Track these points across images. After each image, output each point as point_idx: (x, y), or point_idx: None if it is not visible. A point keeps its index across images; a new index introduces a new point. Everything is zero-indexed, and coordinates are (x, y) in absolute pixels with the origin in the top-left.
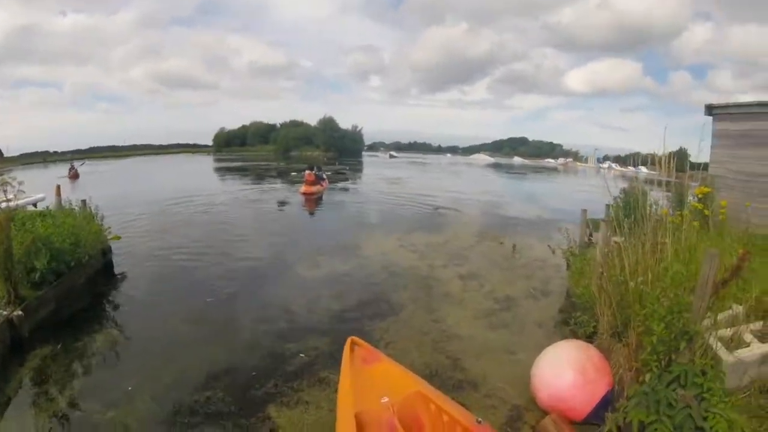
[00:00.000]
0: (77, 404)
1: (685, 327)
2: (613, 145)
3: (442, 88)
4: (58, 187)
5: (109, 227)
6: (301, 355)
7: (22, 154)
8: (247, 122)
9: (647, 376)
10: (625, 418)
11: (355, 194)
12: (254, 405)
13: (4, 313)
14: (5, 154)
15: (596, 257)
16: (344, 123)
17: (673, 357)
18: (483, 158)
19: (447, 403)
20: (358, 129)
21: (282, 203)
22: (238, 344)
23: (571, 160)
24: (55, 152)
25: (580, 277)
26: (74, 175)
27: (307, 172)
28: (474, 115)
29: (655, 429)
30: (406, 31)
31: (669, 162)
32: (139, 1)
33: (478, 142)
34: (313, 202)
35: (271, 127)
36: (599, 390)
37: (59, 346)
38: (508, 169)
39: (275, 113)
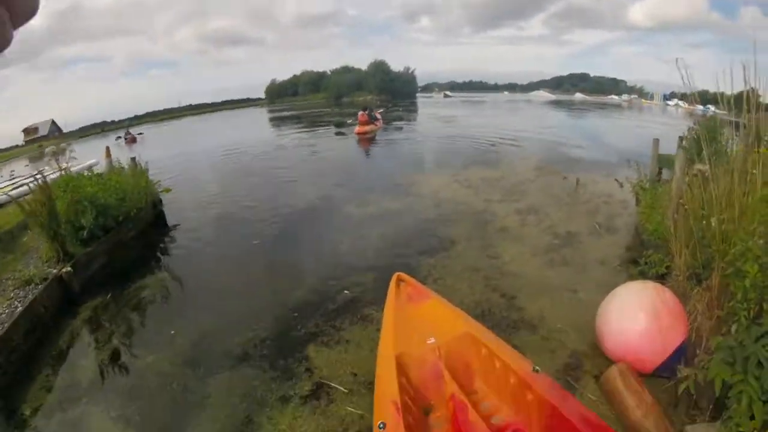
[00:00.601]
0: (123, 349)
1: None
2: (678, 82)
3: (495, 25)
4: (107, 148)
5: (159, 181)
6: (345, 291)
7: (81, 128)
8: (297, 72)
9: (733, 328)
10: (705, 376)
11: (408, 132)
12: (293, 345)
13: (54, 271)
14: (64, 130)
15: (672, 189)
16: (396, 66)
17: (765, 306)
18: (543, 95)
19: (501, 347)
20: (410, 71)
21: (339, 132)
22: (281, 285)
23: (635, 96)
24: (113, 121)
25: (651, 213)
26: (131, 140)
27: (360, 113)
28: (531, 52)
29: (740, 391)
30: None
31: (746, 100)
32: None
33: (536, 79)
34: (367, 141)
35: (322, 75)
36: (674, 339)
37: (109, 296)
38: (570, 106)
39: (325, 62)
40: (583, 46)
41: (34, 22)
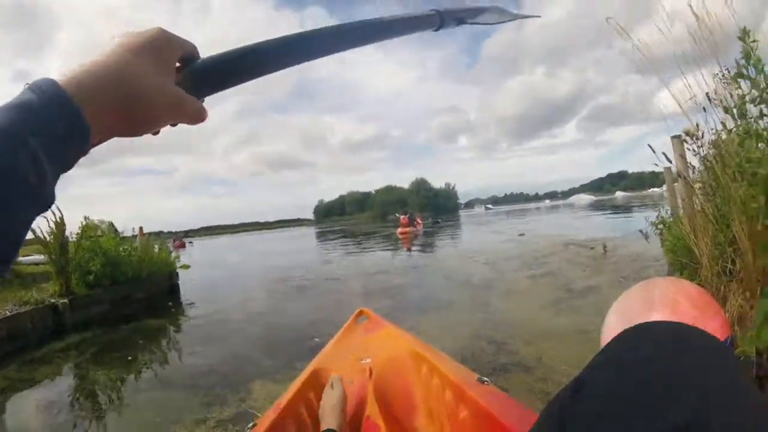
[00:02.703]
0: (82, 365)
1: None
2: None
3: (531, 135)
4: (141, 228)
5: (177, 256)
6: (315, 339)
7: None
8: (344, 192)
9: None
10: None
11: (444, 235)
12: (242, 380)
13: (52, 300)
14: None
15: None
16: (437, 183)
17: None
18: (583, 197)
19: (445, 363)
20: (451, 186)
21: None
22: (262, 344)
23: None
24: (170, 232)
25: (677, 242)
26: (180, 245)
27: (401, 216)
28: (568, 157)
29: None
30: (486, 86)
31: None
32: (237, 96)
33: (576, 184)
34: (409, 240)
35: (367, 195)
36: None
37: (100, 332)
38: (610, 205)
39: (370, 182)
40: (619, 144)
41: None
